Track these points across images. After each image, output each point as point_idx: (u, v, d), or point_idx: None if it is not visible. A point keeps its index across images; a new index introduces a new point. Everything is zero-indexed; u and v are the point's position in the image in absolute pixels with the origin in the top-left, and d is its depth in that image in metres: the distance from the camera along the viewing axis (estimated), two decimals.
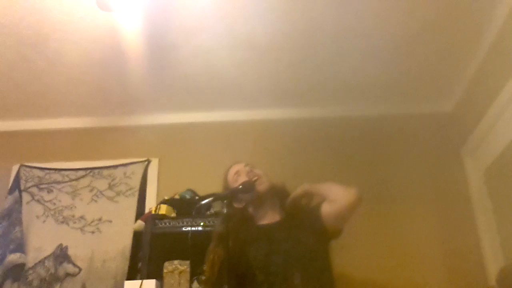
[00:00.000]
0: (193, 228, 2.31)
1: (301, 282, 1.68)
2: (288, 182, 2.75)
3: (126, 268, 2.67)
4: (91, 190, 2.97)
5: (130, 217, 2.82)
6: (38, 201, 2.95)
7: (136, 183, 2.96)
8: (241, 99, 3.02)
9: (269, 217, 1.88)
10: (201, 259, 2.35)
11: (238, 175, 1.94)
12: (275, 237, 1.81)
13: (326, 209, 1.78)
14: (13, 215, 2.84)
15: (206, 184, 2.66)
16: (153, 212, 2.46)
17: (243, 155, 3.01)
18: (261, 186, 1.87)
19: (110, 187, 2.97)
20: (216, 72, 2.74)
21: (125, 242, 2.74)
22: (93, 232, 2.84)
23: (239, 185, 1.88)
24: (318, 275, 1.72)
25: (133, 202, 2.90)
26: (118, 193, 2.95)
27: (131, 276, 2.56)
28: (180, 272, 2.26)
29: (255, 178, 1.88)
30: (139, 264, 2.45)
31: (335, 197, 1.77)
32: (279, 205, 1.92)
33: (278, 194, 1.93)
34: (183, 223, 2.39)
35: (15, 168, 3.05)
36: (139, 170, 3.00)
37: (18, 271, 2.70)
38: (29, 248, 2.78)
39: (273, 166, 2.83)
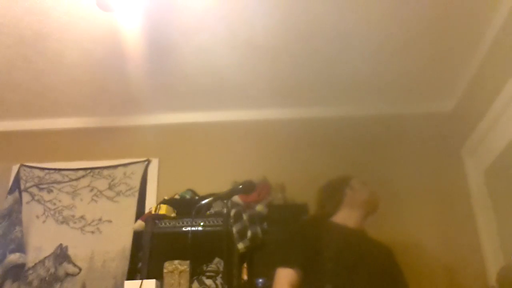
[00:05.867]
0: (193, 228, 2.32)
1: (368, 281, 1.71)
2: (288, 182, 2.78)
3: (126, 268, 2.67)
4: (91, 190, 2.97)
5: (130, 217, 2.82)
6: (38, 201, 2.95)
7: (136, 183, 2.96)
8: (241, 99, 3.02)
9: (346, 220, 1.94)
10: (201, 259, 2.37)
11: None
12: (346, 237, 1.86)
13: None
14: (13, 215, 2.84)
15: (206, 184, 2.68)
16: (153, 212, 2.46)
17: (243, 155, 3.04)
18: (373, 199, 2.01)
19: (110, 187, 2.97)
20: (216, 72, 2.74)
21: (125, 242, 2.74)
22: (93, 232, 2.84)
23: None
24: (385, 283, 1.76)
25: (133, 202, 2.90)
26: (118, 193, 2.95)
27: (131, 276, 2.56)
28: (180, 272, 2.26)
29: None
30: (139, 264, 2.45)
31: None
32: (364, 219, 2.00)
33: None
34: (183, 223, 2.39)
35: (15, 168, 3.05)
36: (139, 170, 3.00)
37: (18, 271, 2.70)
38: (29, 248, 2.78)
39: (273, 166, 2.85)
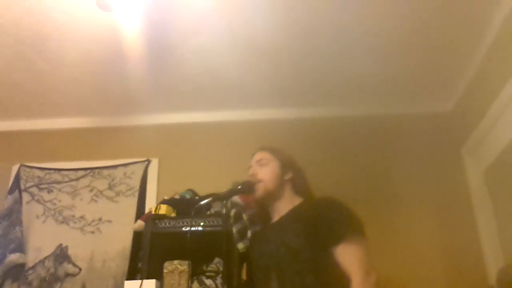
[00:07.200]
0: (193, 228, 2.31)
1: (278, 286, 1.64)
2: None
3: (126, 268, 2.67)
4: (91, 190, 2.97)
5: (130, 217, 2.82)
6: (38, 201, 2.95)
7: (136, 183, 2.96)
8: (241, 99, 3.02)
9: (277, 215, 1.86)
10: (201, 259, 2.37)
11: (252, 166, 1.95)
12: (267, 238, 1.79)
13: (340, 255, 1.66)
14: (13, 215, 2.84)
15: (206, 184, 2.68)
16: (153, 212, 2.46)
17: (243, 155, 3.03)
18: (257, 192, 1.86)
19: (110, 187, 2.97)
20: (216, 72, 2.74)
21: (125, 242, 2.74)
22: (93, 232, 2.84)
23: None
24: (297, 279, 1.63)
25: (133, 202, 2.90)
26: (118, 193, 2.95)
27: (131, 276, 2.56)
28: (180, 272, 2.25)
29: (256, 181, 1.86)
30: (139, 264, 2.45)
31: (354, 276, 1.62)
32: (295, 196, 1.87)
33: (278, 194, 1.87)
34: (183, 223, 2.38)
35: (15, 168, 3.05)
36: (139, 170, 3.00)
37: (18, 271, 2.70)
38: (29, 248, 2.78)
39: None
